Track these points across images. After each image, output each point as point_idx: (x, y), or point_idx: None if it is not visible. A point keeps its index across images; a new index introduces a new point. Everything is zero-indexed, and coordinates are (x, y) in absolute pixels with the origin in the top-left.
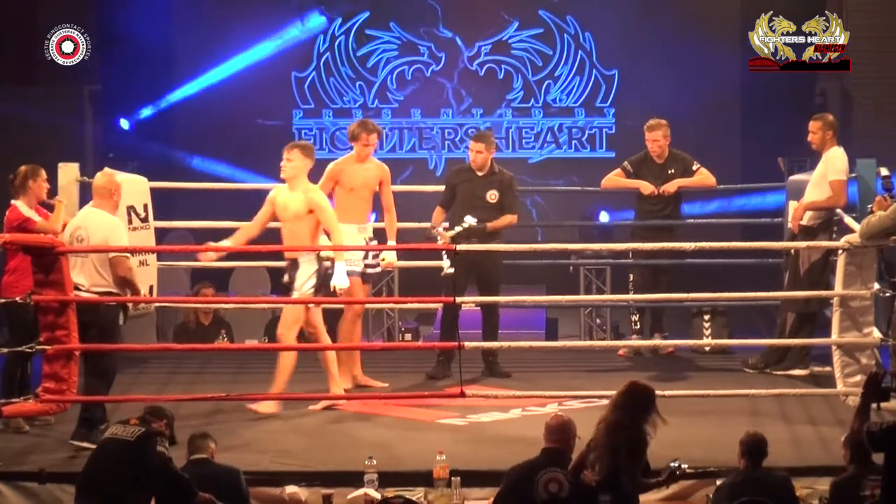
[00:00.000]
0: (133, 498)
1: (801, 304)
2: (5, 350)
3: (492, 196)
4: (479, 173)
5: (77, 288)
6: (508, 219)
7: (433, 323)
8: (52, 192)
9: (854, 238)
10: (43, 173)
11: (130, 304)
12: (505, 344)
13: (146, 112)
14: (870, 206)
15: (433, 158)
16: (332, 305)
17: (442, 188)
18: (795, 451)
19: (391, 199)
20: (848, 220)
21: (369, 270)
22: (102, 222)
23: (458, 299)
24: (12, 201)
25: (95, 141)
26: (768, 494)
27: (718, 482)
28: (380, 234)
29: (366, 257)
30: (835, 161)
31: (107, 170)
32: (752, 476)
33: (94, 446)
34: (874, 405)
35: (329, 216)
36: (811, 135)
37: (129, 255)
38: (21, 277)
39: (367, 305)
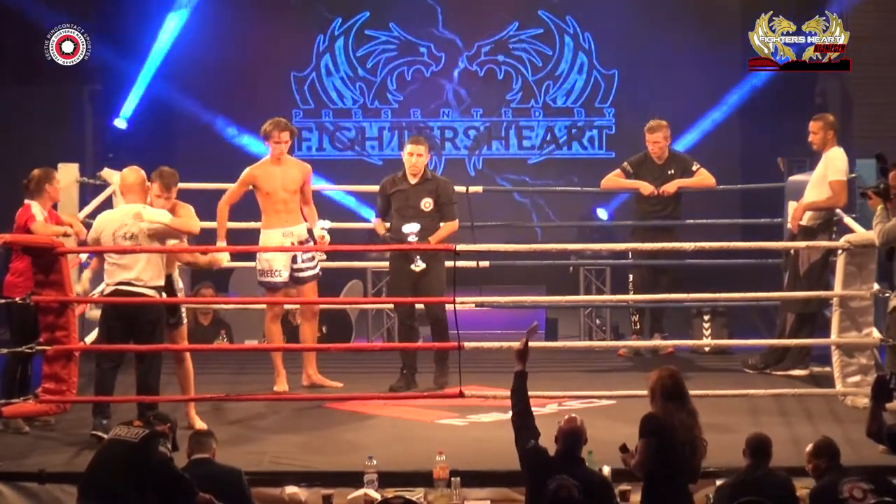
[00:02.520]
0: (136, 499)
1: (801, 305)
2: (5, 350)
3: (426, 204)
4: (413, 181)
5: (131, 283)
6: (449, 228)
7: None
8: None
9: (855, 237)
10: (57, 175)
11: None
12: (505, 344)
13: (131, 107)
14: (859, 188)
15: (433, 159)
16: (333, 305)
17: None
18: (795, 451)
19: (310, 196)
20: (848, 220)
21: (302, 274)
22: (156, 217)
23: (458, 300)
24: (26, 201)
25: (95, 141)
26: (768, 495)
27: (718, 482)
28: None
29: (294, 261)
30: (834, 161)
31: (100, 172)
32: (753, 476)
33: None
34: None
35: None
36: (812, 135)
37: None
38: (27, 280)
39: (367, 305)
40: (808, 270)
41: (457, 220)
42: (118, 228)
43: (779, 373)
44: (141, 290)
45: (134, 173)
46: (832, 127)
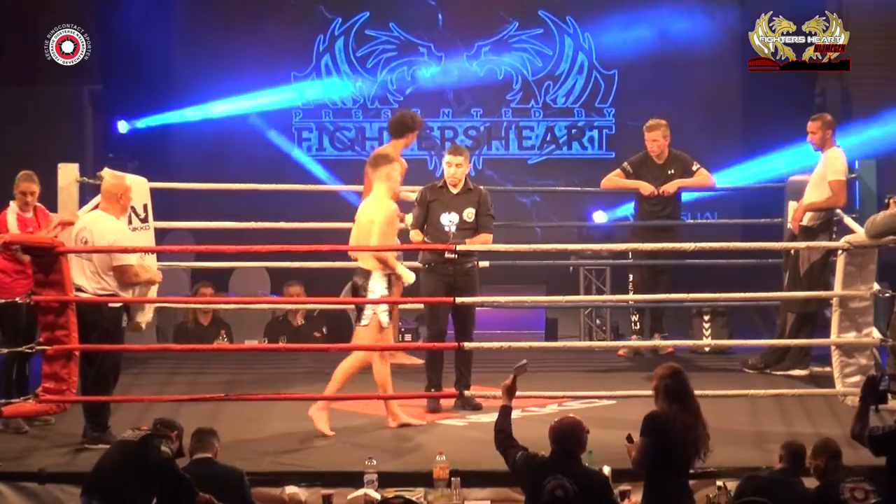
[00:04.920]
0: (137, 498)
1: (801, 305)
2: (5, 350)
3: (469, 214)
4: (454, 190)
5: (79, 290)
6: (483, 238)
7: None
8: (53, 192)
9: (855, 238)
10: (22, 185)
11: (130, 316)
12: (505, 344)
13: (143, 123)
14: (887, 199)
15: (432, 159)
16: (333, 305)
17: None
18: None
19: None
20: (848, 220)
21: None
22: (107, 227)
23: (459, 300)
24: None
25: (95, 141)
26: (775, 498)
27: (719, 482)
28: None
29: None
30: (834, 161)
31: (116, 172)
32: (785, 479)
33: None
34: (872, 407)
35: None
36: (811, 135)
37: (132, 262)
38: (14, 280)
39: (367, 305)
40: (808, 270)
41: (492, 235)
42: (79, 232)
43: (779, 373)
44: (85, 296)
45: (113, 179)
46: (830, 126)
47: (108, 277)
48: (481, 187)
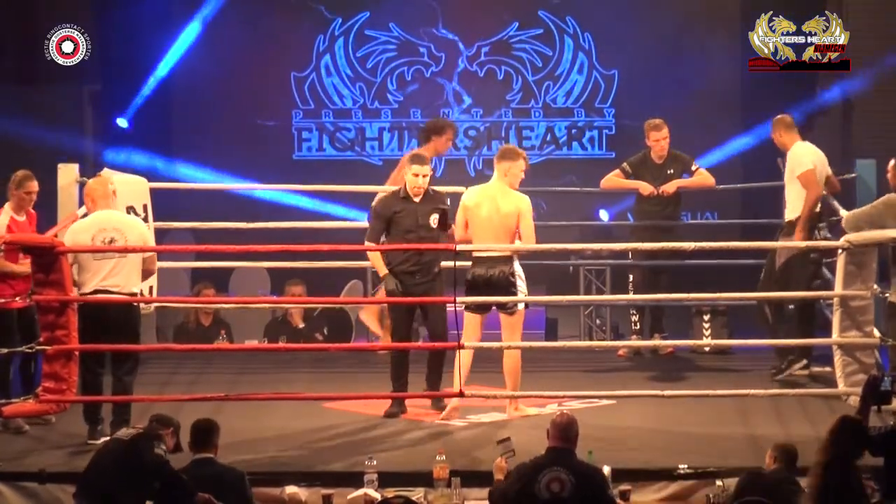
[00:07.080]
0: (128, 497)
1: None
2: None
3: (434, 220)
4: (417, 199)
5: (109, 291)
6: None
7: None
8: (53, 192)
9: (855, 237)
10: (28, 185)
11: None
12: (504, 344)
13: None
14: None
15: (433, 159)
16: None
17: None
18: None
19: None
20: (843, 211)
21: None
22: (135, 224)
23: (459, 299)
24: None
25: (95, 141)
26: (785, 501)
27: (718, 482)
28: None
29: None
30: (799, 157)
31: (100, 173)
32: (776, 477)
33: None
34: (874, 407)
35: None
36: (774, 140)
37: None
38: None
39: (367, 305)
40: (783, 264)
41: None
42: (98, 233)
43: (798, 370)
44: (115, 296)
45: (100, 181)
46: (784, 125)
47: (140, 273)
48: (440, 191)
